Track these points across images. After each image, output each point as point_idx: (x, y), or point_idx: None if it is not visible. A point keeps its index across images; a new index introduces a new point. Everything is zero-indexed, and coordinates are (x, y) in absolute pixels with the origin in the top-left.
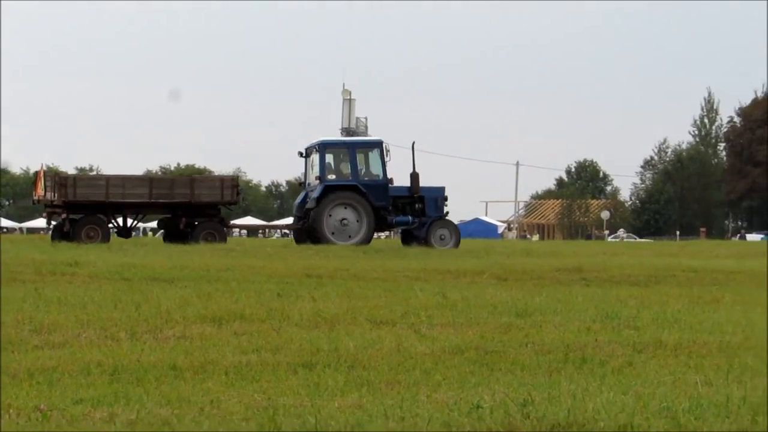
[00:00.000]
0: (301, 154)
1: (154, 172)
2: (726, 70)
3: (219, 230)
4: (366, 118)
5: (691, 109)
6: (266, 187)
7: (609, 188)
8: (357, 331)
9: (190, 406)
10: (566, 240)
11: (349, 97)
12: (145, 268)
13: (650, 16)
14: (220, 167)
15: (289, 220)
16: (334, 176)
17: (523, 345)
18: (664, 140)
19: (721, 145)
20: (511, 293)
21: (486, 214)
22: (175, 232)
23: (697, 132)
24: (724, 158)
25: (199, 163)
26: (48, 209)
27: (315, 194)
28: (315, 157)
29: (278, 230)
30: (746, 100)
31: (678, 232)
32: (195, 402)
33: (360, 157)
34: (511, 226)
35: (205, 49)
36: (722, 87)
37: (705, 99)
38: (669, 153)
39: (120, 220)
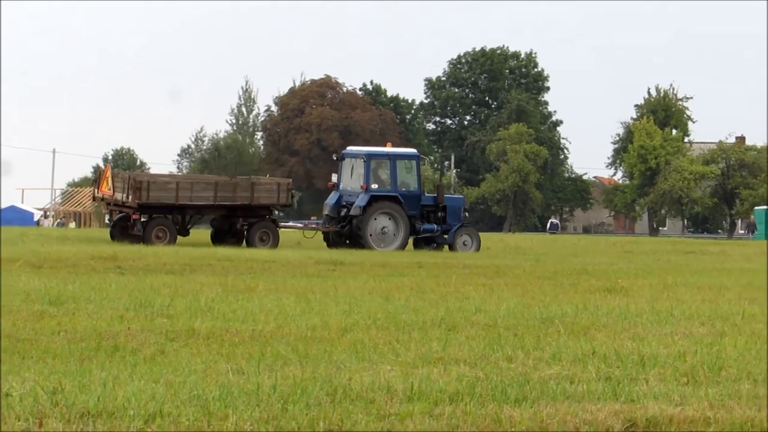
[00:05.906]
0: (337, 157)
1: None
2: (264, 58)
3: (273, 230)
4: None
5: (229, 98)
6: None
7: None
8: None
9: None
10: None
11: None
12: None
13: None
14: None
15: None
16: (376, 185)
17: (55, 333)
18: (201, 128)
19: (259, 134)
20: (44, 281)
21: (22, 202)
22: (227, 232)
23: (234, 121)
24: (262, 147)
25: None
26: (110, 207)
27: (361, 202)
28: (355, 164)
29: None
30: (285, 89)
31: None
32: None
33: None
34: (48, 213)
35: None
36: (260, 76)
37: (243, 88)
38: (206, 142)
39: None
